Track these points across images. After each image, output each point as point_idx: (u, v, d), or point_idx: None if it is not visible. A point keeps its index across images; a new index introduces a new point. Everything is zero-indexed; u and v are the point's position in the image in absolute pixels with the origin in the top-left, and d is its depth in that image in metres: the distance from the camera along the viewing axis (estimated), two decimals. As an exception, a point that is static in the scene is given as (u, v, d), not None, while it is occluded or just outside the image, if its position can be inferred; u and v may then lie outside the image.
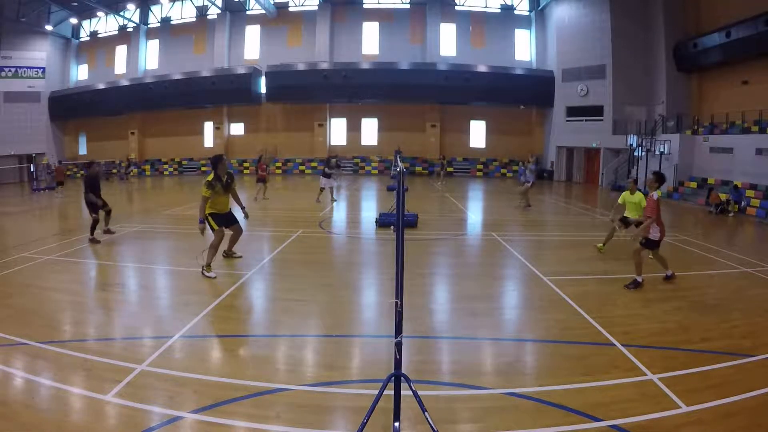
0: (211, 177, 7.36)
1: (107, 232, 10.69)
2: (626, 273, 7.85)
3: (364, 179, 28.24)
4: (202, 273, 7.26)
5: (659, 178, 7.25)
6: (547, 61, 29.51)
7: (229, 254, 8.40)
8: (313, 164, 31.70)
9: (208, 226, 7.44)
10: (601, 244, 9.35)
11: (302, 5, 32.04)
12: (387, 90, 29.14)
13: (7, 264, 8.09)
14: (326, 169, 16.27)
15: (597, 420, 3.55)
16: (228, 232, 7.94)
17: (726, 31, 20.53)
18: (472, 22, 31.17)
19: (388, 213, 12.53)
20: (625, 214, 9.11)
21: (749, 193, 16.80)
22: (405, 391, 3.24)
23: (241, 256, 8.48)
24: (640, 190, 9.33)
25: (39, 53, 32.33)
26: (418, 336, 5.21)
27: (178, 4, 33.60)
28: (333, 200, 16.56)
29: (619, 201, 9.11)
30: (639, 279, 7.02)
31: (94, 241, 9.87)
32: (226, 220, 7.75)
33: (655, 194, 7.05)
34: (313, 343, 5.19)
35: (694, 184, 19.99)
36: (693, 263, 8.78)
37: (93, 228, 10.04)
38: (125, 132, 34.05)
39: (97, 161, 12.12)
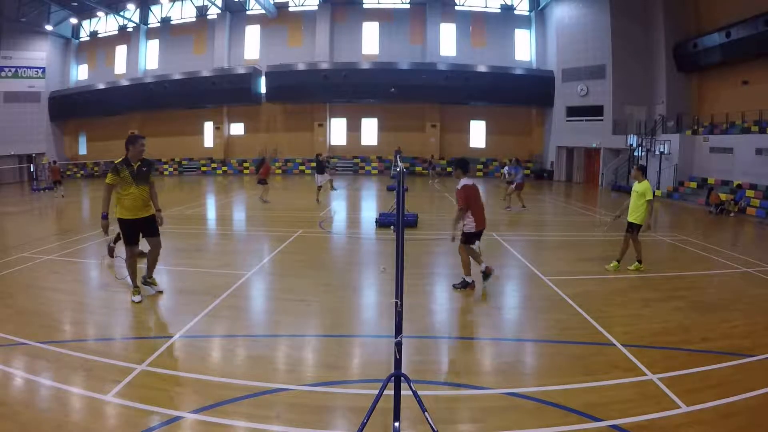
0: (118, 160, 5.97)
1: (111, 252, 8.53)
2: (627, 273, 7.86)
3: (364, 179, 28.24)
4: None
5: (460, 165, 6.74)
6: (547, 61, 29.49)
7: (147, 281, 6.50)
8: (313, 164, 31.68)
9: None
10: (621, 263, 8.03)
11: (302, 5, 32.02)
12: (387, 90, 29.12)
13: (7, 264, 8.09)
14: (322, 163, 16.70)
15: (597, 420, 3.55)
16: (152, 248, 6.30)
17: (726, 31, 20.52)
18: (472, 22, 31.15)
19: (388, 213, 12.53)
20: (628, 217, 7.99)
21: (749, 193, 16.80)
22: (405, 391, 3.24)
23: (161, 291, 6.55)
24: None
25: (39, 53, 32.30)
26: (418, 336, 5.21)
27: (178, 4, 33.56)
28: (332, 188, 16.85)
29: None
30: (468, 279, 6.64)
31: (112, 252, 8.41)
32: (140, 228, 6.10)
33: (461, 182, 6.58)
34: (313, 343, 5.19)
35: (694, 184, 19.98)
36: (693, 263, 8.78)
37: (117, 237, 8.18)
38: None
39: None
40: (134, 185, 5.95)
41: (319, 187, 16.58)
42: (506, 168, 16.30)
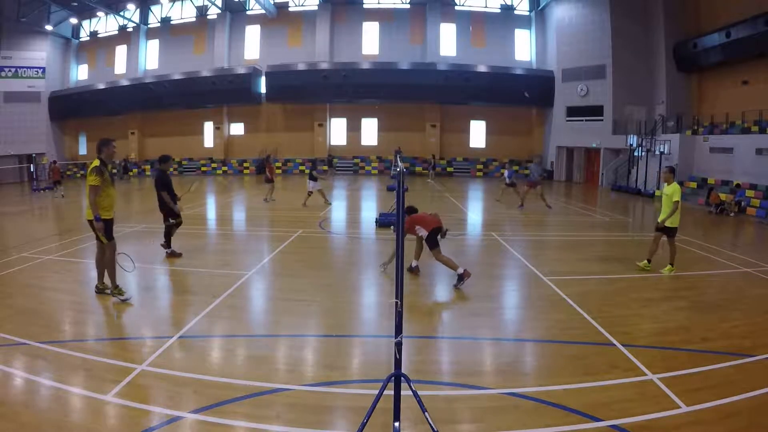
0: (97, 162, 5.94)
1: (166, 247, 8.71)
2: (627, 273, 7.86)
3: (364, 179, 28.24)
4: (113, 296, 6.27)
5: (408, 211, 7.48)
6: (547, 61, 29.49)
7: (101, 289, 6.44)
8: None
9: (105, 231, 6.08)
10: (646, 262, 8.08)
11: (302, 5, 32.02)
12: (387, 90, 29.12)
13: (7, 264, 8.09)
14: (314, 173, 16.00)
15: (597, 420, 3.55)
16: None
17: (726, 31, 20.52)
18: (472, 22, 31.14)
19: (388, 213, 12.53)
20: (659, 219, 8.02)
21: (749, 193, 16.80)
22: (405, 391, 3.24)
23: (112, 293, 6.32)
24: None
25: (39, 53, 32.30)
26: (418, 336, 5.21)
27: (178, 4, 33.55)
28: (327, 203, 16.25)
29: (657, 193, 8.34)
30: (459, 271, 6.83)
31: (174, 254, 8.61)
32: (112, 229, 6.22)
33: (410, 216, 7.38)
34: (313, 343, 5.19)
35: (694, 184, 19.97)
36: (693, 263, 8.77)
37: (168, 235, 8.69)
38: (125, 132, 34.00)
39: (170, 156, 9.97)
40: (112, 186, 6.22)
41: (310, 193, 16.07)
42: (532, 166, 16.59)
